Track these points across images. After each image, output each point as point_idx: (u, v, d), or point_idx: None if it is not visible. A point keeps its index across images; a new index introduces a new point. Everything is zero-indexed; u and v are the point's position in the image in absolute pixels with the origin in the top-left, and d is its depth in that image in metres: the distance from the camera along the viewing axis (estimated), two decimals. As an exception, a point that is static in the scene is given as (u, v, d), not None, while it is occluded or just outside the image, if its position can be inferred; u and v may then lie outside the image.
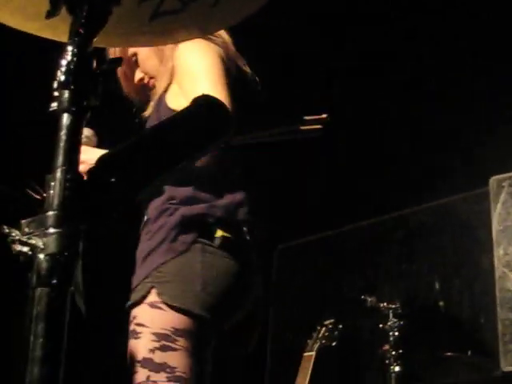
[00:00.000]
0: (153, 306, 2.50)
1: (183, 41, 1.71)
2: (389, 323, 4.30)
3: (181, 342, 2.48)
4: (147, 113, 2.86)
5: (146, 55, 2.90)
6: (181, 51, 2.66)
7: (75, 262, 1.21)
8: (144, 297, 2.53)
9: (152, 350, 2.46)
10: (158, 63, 2.84)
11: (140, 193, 1.31)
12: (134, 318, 2.53)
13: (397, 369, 4.23)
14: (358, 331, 4.81)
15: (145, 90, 2.97)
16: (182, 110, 1.44)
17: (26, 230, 1.24)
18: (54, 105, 1.32)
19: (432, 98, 4.77)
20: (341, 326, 4.45)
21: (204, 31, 1.70)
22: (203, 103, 1.44)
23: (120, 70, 2.92)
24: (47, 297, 1.19)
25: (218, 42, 2.71)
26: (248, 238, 2.68)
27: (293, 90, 4.64)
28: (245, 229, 2.67)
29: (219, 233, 2.59)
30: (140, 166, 1.33)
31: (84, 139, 2.71)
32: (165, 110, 2.71)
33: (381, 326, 4.34)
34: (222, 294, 2.56)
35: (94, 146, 2.73)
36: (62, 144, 1.27)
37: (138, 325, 2.51)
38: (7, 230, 1.25)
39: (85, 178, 1.26)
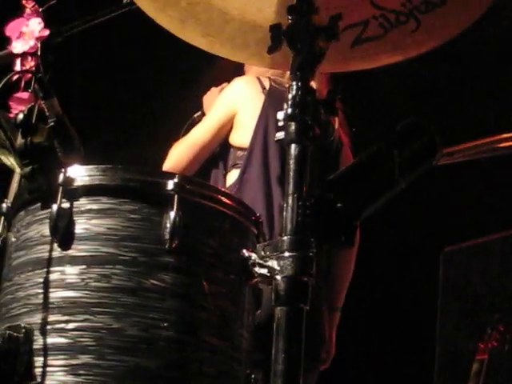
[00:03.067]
0: None
1: (384, 64, 1.78)
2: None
3: None
4: None
5: None
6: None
7: (310, 283, 1.31)
8: None
9: None
10: None
11: (362, 216, 1.40)
12: None
13: None
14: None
15: None
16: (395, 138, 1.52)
17: (262, 253, 1.35)
18: (281, 134, 1.42)
19: None
20: (513, 330, 4.40)
21: (405, 55, 1.77)
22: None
23: None
24: (286, 316, 1.30)
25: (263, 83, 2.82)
26: None
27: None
28: None
29: None
30: (363, 190, 1.41)
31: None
32: None
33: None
34: None
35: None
36: (291, 173, 1.37)
37: None
38: (247, 254, 1.36)
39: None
